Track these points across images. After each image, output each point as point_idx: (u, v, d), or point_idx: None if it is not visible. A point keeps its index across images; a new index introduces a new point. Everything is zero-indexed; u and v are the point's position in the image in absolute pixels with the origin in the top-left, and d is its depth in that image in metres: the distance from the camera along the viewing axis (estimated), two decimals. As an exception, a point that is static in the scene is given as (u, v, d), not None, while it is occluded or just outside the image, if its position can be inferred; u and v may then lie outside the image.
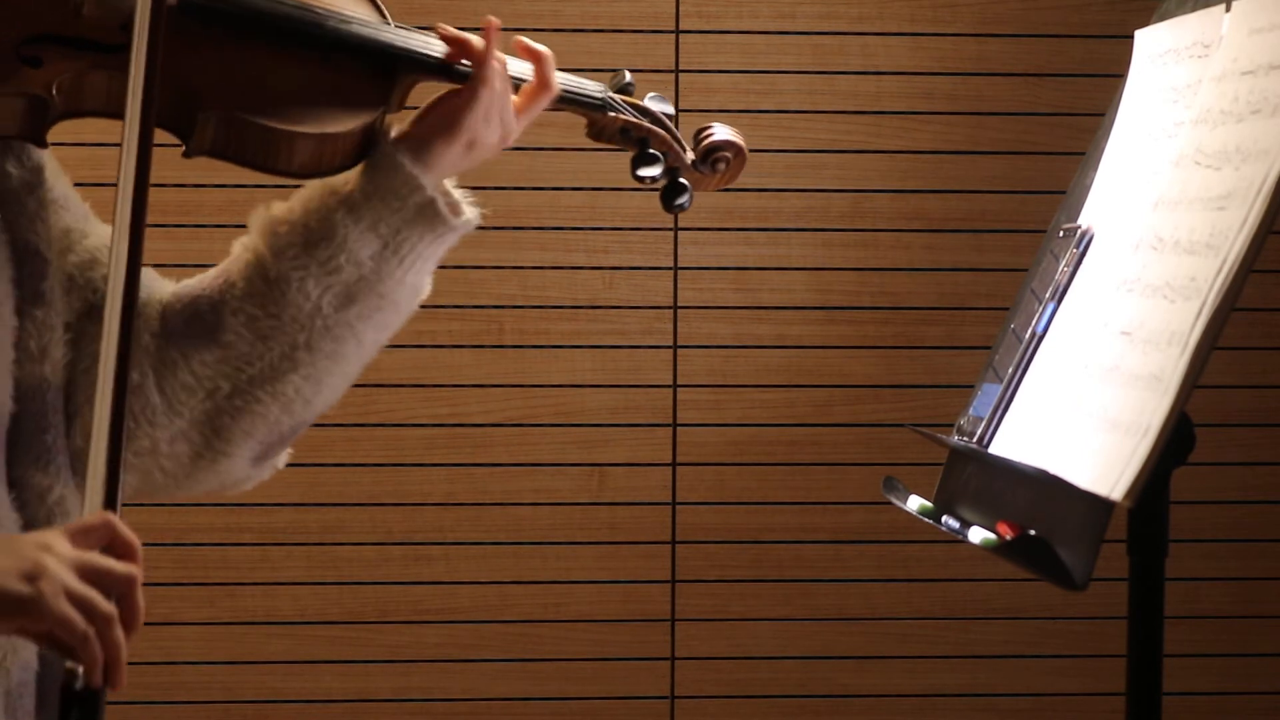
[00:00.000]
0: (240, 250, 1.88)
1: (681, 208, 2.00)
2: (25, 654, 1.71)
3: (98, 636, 1.48)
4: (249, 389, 1.83)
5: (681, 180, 1.99)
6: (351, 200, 1.83)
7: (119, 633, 1.50)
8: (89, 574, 1.50)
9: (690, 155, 2.00)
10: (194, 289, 1.86)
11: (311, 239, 1.83)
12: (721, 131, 2.02)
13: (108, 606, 1.49)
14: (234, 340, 1.83)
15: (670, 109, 2.01)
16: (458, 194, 1.90)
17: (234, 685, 3.55)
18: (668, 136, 1.99)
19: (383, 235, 1.84)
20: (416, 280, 1.87)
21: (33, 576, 1.48)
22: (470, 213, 1.89)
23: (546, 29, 3.52)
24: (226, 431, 1.84)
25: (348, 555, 3.57)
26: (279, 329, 1.83)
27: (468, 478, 3.58)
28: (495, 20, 1.87)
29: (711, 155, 2.01)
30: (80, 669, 1.49)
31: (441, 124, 1.86)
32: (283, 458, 1.93)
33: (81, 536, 1.52)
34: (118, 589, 1.51)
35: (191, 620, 3.52)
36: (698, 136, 2.02)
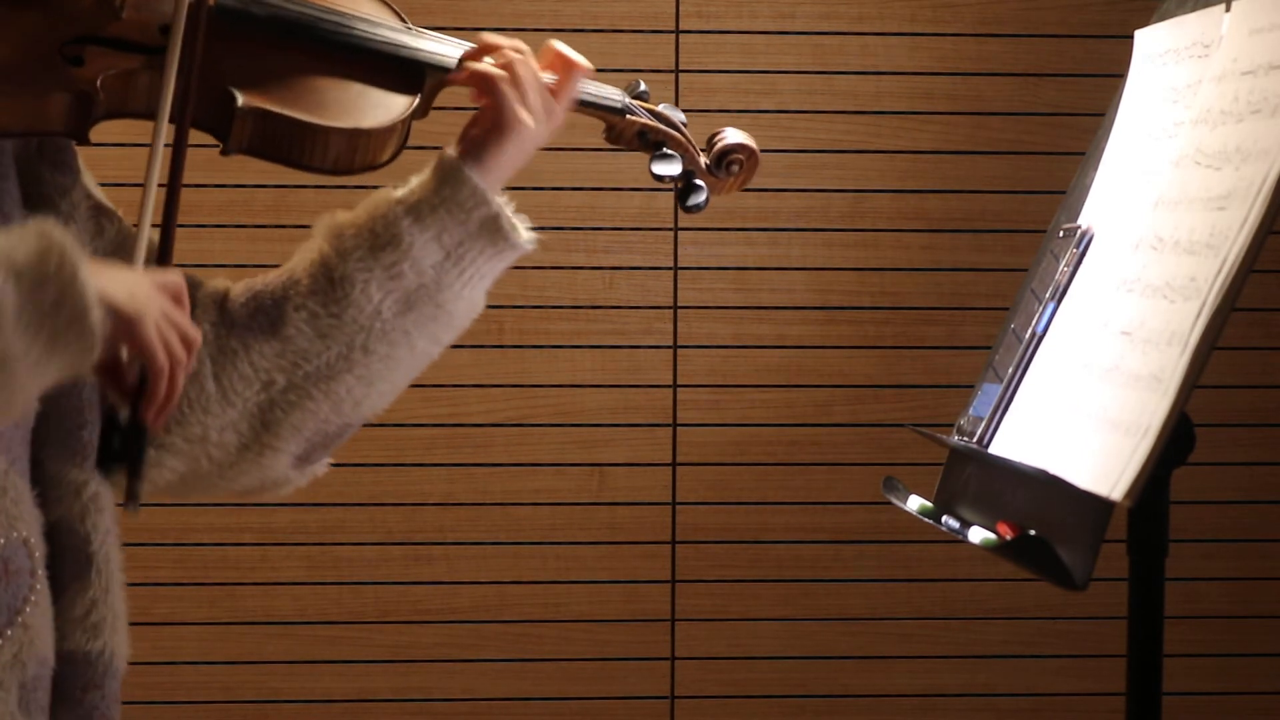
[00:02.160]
0: (305, 252, 1.92)
1: (698, 208, 2.05)
2: (43, 649, 1.73)
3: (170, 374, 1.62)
4: (303, 385, 1.88)
5: (697, 181, 2.04)
6: (418, 209, 1.89)
7: (179, 381, 1.63)
8: (170, 321, 1.63)
9: (704, 159, 2.05)
10: (256, 285, 1.91)
11: (378, 243, 1.88)
12: (734, 135, 2.07)
13: (182, 351, 1.63)
14: (294, 335, 1.88)
15: (683, 116, 2.07)
16: (516, 216, 1.94)
17: (234, 685, 3.55)
18: (683, 140, 2.04)
19: (446, 246, 1.89)
20: (473, 295, 1.93)
21: (134, 295, 1.60)
22: (528, 235, 1.95)
23: (546, 29, 3.52)
24: (276, 425, 1.89)
25: (348, 555, 3.57)
26: (339, 328, 1.88)
27: (468, 478, 3.58)
28: (474, 69, 1.92)
29: (725, 158, 2.06)
30: (123, 408, 1.63)
31: (488, 126, 1.91)
32: (322, 465, 1.98)
33: (159, 288, 1.64)
34: (186, 343, 1.64)
35: (191, 620, 3.52)
36: (710, 141, 2.07)
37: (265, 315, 1.88)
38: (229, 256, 3.38)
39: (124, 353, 1.62)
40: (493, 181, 1.91)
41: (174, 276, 1.66)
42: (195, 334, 1.64)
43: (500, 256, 1.93)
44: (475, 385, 3.58)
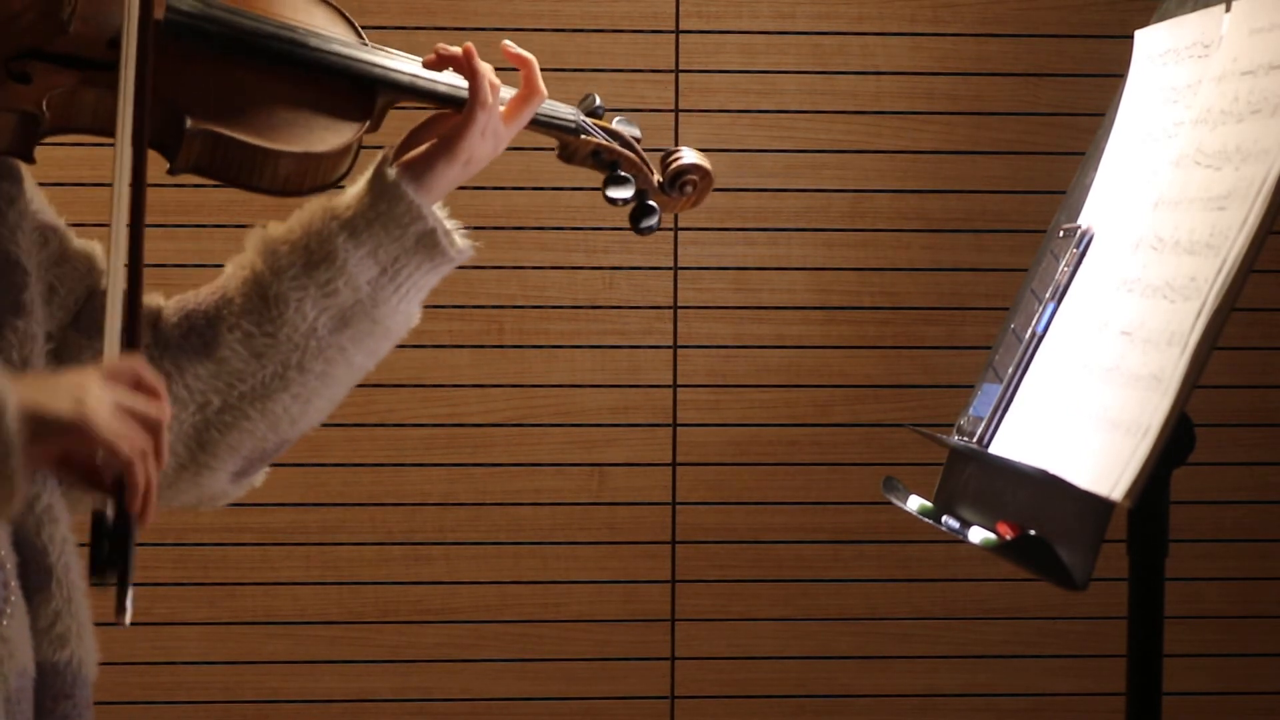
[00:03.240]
0: (235, 269, 1.90)
1: (650, 229, 2.05)
2: (22, 660, 1.72)
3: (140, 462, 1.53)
4: (239, 405, 1.86)
5: (650, 202, 2.04)
6: (353, 225, 1.86)
7: (154, 466, 1.55)
8: (126, 409, 1.54)
9: (658, 178, 2.04)
10: (188, 303, 1.88)
11: (312, 260, 1.85)
12: (689, 155, 2.07)
13: (147, 436, 1.54)
14: (229, 356, 1.85)
15: (637, 132, 2.06)
16: (450, 224, 1.92)
17: (234, 685, 3.55)
18: (637, 159, 2.04)
19: (381, 262, 1.87)
20: (408, 308, 1.91)
21: (79, 400, 1.51)
22: (464, 244, 1.92)
23: (546, 29, 3.52)
24: (213, 446, 1.86)
25: (348, 555, 3.57)
26: (274, 347, 1.86)
27: (468, 478, 3.58)
28: (470, 45, 1.90)
29: (679, 179, 2.06)
30: (109, 508, 1.54)
31: (440, 145, 1.90)
32: (260, 476, 1.95)
33: (111, 377, 1.55)
34: (149, 428, 1.55)
35: (191, 620, 3.52)
36: (665, 161, 2.06)
37: (198, 336, 1.85)
38: (229, 256, 3.37)
39: (98, 454, 1.55)
40: (430, 199, 1.89)
41: (129, 361, 1.59)
42: (158, 413, 1.56)
43: (436, 270, 1.90)
44: (475, 385, 3.58)
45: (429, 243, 1.88)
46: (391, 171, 1.87)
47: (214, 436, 1.86)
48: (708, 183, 2.06)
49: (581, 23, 3.56)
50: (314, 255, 1.85)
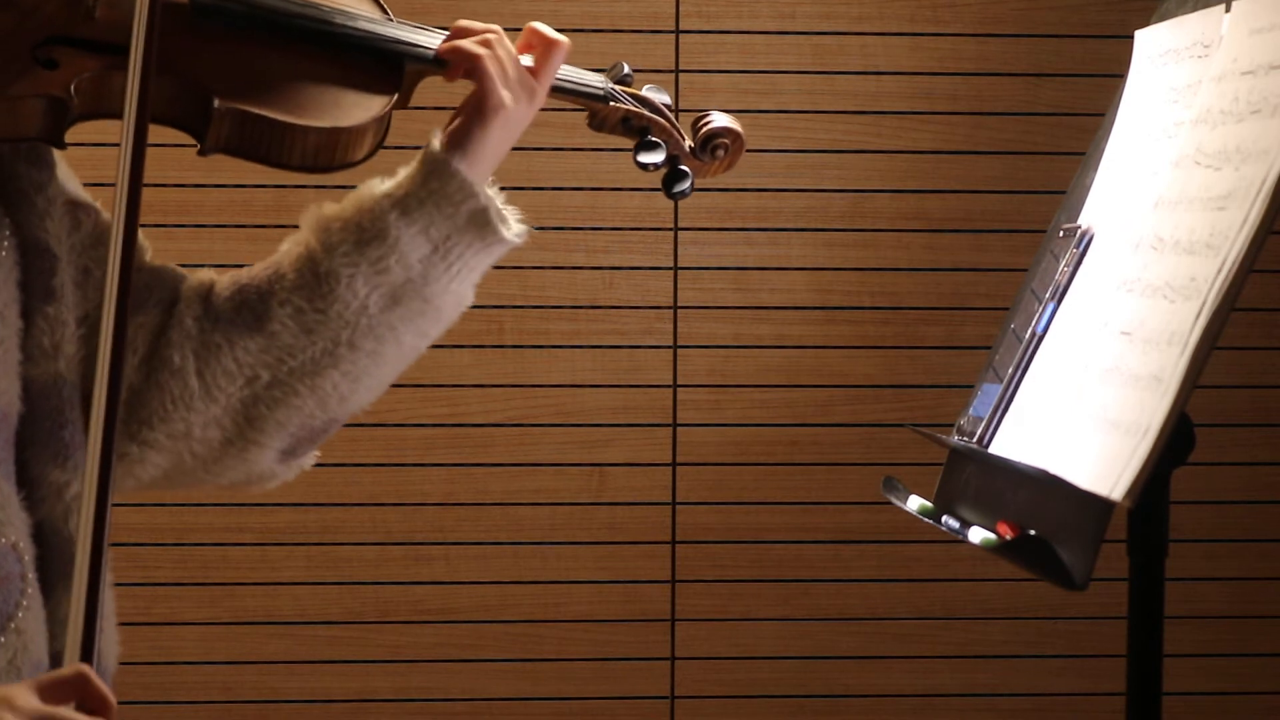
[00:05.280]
0: (291, 245, 1.90)
1: (683, 194, 2.04)
2: (37, 654, 1.72)
3: None
4: (288, 380, 1.86)
5: (682, 167, 2.03)
6: (405, 203, 1.87)
7: None
8: None
9: (689, 143, 2.04)
10: (242, 278, 1.89)
11: (364, 238, 1.86)
12: (719, 119, 2.06)
13: None
14: (279, 330, 1.86)
15: (668, 99, 2.07)
16: (506, 208, 1.92)
17: (234, 685, 3.55)
18: (668, 125, 2.04)
19: (433, 239, 1.87)
20: (461, 289, 1.91)
21: None
22: (518, 228, 1.92)
23: (546, 29, 3.52)
24: (260, 421, 1.87)
25: (348, 555, 3.57)
26: (324, 324, 1.86)
27: (468, 478, 3.58)
28: (458, 24, 1.92)
29: (710, 142, 2.05)
30: None
31: (471, 110, 1.89)
32: (310, 458, 1.97)
33: (51, 690, 1.52)
34: None
35: (191, 620, 3.52)
36: (696, 125, 2.06)
37: (250, 310, 1.86)
38: (229, 256, 3.38)
39: None
40: (480, 172, 1.89)
41: (72, 669, 1.53)
42: (65, 715, 1.50)
43: (489, 250, 1.90)
44: (475, 385, 3.58)
45: (481, 221, 1.88)
46: (440, 148, 1.87)
47: (261, 411, 1.87)
48: (739, 145, 2.05)
49: (581, 23, 3.56)
50: (366, 232, 1.86)
